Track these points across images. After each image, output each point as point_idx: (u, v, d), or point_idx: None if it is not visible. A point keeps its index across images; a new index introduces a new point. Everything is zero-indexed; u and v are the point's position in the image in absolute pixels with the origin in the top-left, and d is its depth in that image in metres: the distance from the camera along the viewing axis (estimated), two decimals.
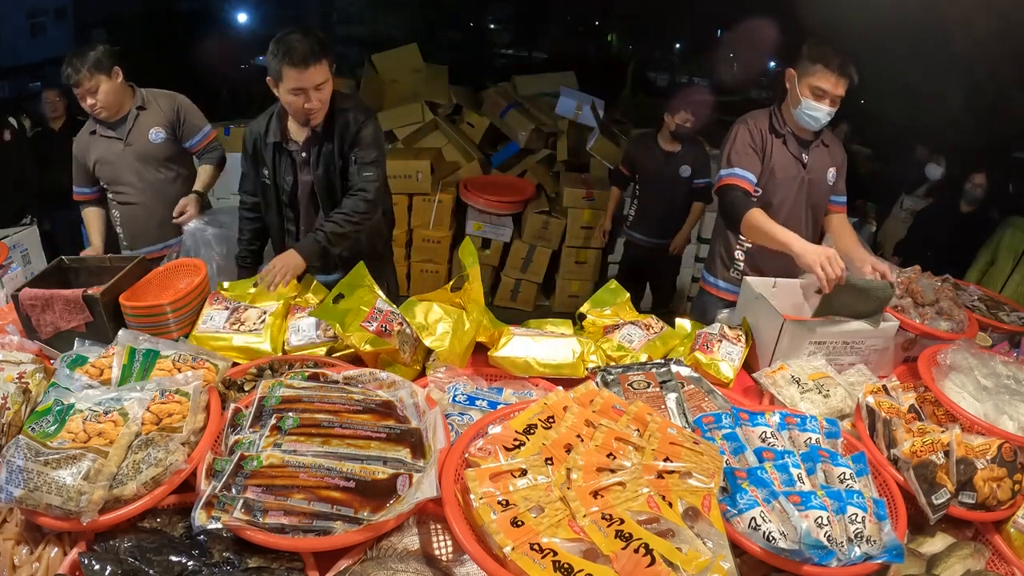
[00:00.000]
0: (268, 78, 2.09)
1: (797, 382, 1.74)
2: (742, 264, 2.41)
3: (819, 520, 1.19)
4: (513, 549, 1.03)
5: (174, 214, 2.46)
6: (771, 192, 2.28)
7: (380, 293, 1.80)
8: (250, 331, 1.81)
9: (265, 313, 1.86)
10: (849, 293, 1.83)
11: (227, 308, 1.88)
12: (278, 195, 2.29)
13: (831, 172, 2.33)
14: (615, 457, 1.23)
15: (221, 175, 2.73)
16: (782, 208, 2.28)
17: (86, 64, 2.37)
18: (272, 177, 2.26)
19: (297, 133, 2.22)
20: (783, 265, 2.13)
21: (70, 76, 2.37)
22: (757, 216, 2.09)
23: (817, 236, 2.42)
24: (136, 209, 2.62)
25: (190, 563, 1.12)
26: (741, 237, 2.37)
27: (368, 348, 1.65)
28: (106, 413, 1.26)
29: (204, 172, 2.63)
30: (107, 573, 1.08)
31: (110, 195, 2.65)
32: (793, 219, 2.29)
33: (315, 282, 2.10)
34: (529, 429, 1.29)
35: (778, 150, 2.26)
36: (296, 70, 1.99)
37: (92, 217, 2.67)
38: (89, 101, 2.43)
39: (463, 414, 1.49)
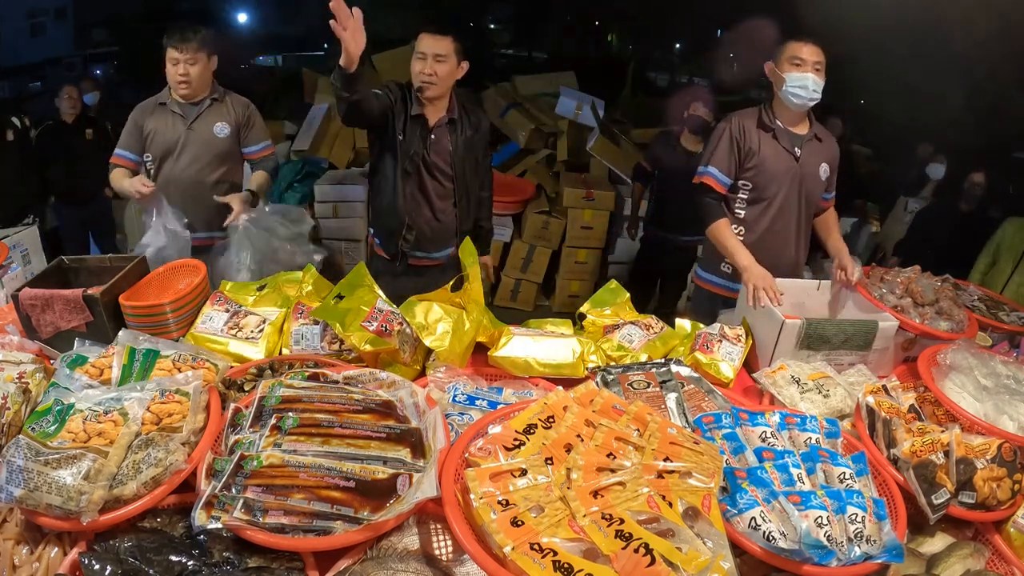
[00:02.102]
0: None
1: (797, 382, 1.75)
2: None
3: (819, 520, 1.19)
4: (513, 549, 1.03)
5: (220, 201, 2.42)
6: (764, 186, 2.30)
7: (380, 293, 1.80)
8: (247, 339, 1.79)
9: (264, 322, 1.85)
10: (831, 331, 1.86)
11: (227, 311, 1.87)
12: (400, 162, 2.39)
13: (824, 167, 2.35)
14: (615, 457, 1.23)
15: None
16: (775, 201, 2.31)
17: (198, 36, 2.45)
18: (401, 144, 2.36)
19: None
20: (771, 262, 2.17)
21: (182, 38, 2.41)
22: (721, 228, 2.27)
23: (809, 230, 2.44)
24: (176, 189, 2.54)
25: (190, 563, 1.12)
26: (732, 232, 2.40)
27: (368, 348, 1.65)
28: (106, 413, 1.26)
29: (259, 175, 2.64)
30: (107, 573, 1.08)
31: (152, 170, 2.60)
32: (787, 212, 2.32)
33: (316, 274, 2.04)
34: (529, 429, 1.29)
35: (768, 144, 2.28)
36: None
37: (117, 174, 2.54)
38: (182, 69, 2.45)
39: (463, 414, 1.49)
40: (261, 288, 1.99)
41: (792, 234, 2.37)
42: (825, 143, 2.37)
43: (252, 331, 1.82)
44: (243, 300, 1.94)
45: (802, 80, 2.17)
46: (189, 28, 2.45)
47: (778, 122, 2.29)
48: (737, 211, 2.36)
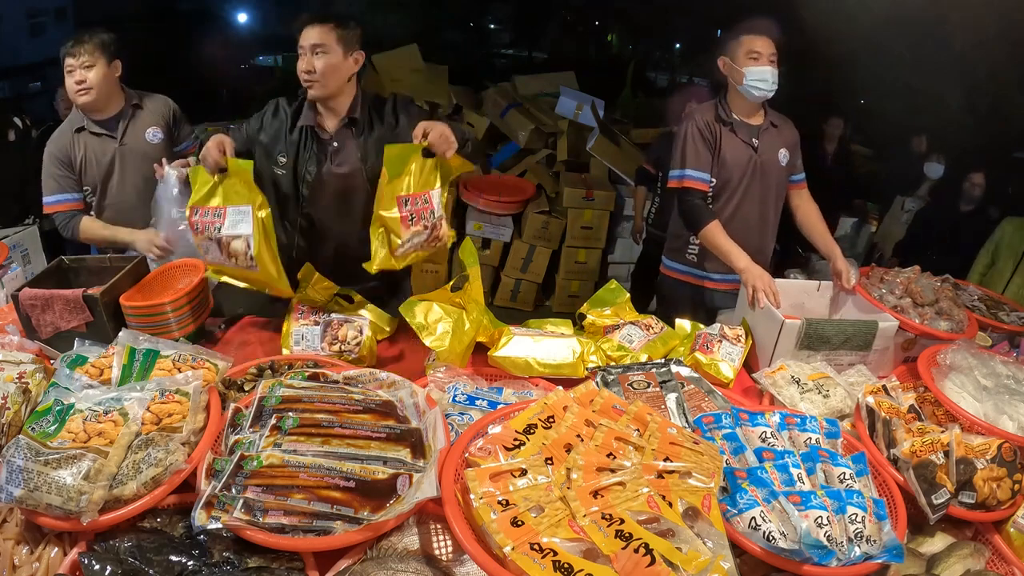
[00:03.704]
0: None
1: (797, 382, 1.75)
2: (697, 247, 2.45)
3: (819, 520, 1.19)
4: (513, 549, 1.03)
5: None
6: (725, 179, 2.32)
7: (440, 188, 1.80)
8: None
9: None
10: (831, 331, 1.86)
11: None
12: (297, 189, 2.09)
13: (782, 152, 2.35)
14: (615, 457, 1.23)
15: None
16: (736, 193, 2.33)
17: (92, 39, 2.24)
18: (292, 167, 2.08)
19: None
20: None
21: (70, 46, 2.22)
22: (714, 230, 2.23)
23: (778, 216, 2.45)
24: (124, 215, 2.35)
25: (190, 563, 1.12)
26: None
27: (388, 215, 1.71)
28: (106, 413, 1.26)
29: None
30: (107, 573, 1.08)
31: (93, 201, 2.37)
32: (748, 202, 2.34)
33: (316, 274, 2.00)
34: (529, 429, 1.29)
35: (727, 139, 2.30)
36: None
37: (91, 223, 2.31)
38: (77, 77, 2.22)
39: (463, 414, 1.49)
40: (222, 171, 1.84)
41: (756, 223, 2.37)
42: (782, 129, 2.38)
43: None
44: (222, 198, 1.81)
45: (761, 73, 2.19)
46: (83, 33, 2.25)
47: (735, 115, 2.31)
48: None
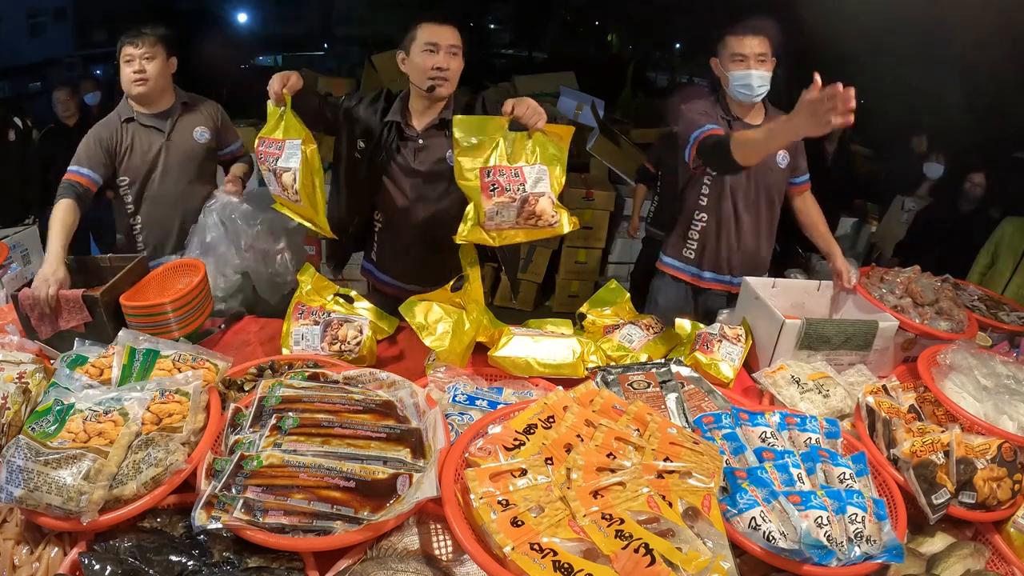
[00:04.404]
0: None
1: (797, 382, 1.75)
2: (696, 243, 2.40)
3: (819, 520, 1.19)
4: (513, 549, 1.03)
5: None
6: (721, 179, 2.26)
7: (540, 165, 1.75)
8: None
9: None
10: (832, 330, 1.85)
11: (316, 323, 1.86)
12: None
13: (781, 154, 2.29)
14: (615, 457, 1.23)
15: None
16: (735, 193, 2.28)
17: (155, 32, 2.30)
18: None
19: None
20: (732, 252, 2.23)
21: (132, 35, 2.26)
22: (741, 134, 1.99)
23: (776, 219, 2.40)
24: (161, 210, 2.38)
25: (190, 563, 1.12)
26: (696, 218, 2.36)
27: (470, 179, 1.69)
28: (106, 413, 1.26)
29: (242, 165, 2.51)
30: (107, 573, 1.08)
31: (129, 194, 2.37)
32: (744, 204, 2.30)
33: (316, 274, 2.01)
34: (529, 429, 1.29)
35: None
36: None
37: (69, 211, 2.10)
38: (136, 67, 2.25)
39: (463, 414, 1.49)
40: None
41: (751, 227, 2.33)
42: None
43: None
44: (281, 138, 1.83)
45: (745, 77, 2.12)
46: (147, 24, 2.31)
47: (733, 113, 2.25)
48: (701, 199, 2.34)
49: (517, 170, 1.73)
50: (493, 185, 1.70)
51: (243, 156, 2.59)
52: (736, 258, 2.37)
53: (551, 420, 1.32)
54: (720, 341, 1.91)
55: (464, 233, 1.74)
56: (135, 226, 2.41)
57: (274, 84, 1.82)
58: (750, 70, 2.12)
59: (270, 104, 1.86)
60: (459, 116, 1.74)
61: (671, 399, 1.58)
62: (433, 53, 1.95)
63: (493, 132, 1.73)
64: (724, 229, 2.32)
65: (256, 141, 1.88)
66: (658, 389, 1.61)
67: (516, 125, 1.76)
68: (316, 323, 1.86)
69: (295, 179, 1.81)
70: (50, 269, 1.85)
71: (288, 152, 1.82)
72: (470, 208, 1.74)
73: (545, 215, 1.74)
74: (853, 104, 1.62)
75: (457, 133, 1.71)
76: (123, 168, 2.33)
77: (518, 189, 1.72)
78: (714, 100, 2.30)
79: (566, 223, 1.76)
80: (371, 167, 2.08)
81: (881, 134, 6.04)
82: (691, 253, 2.43)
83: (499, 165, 1.72)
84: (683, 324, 2.10)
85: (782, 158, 2.31)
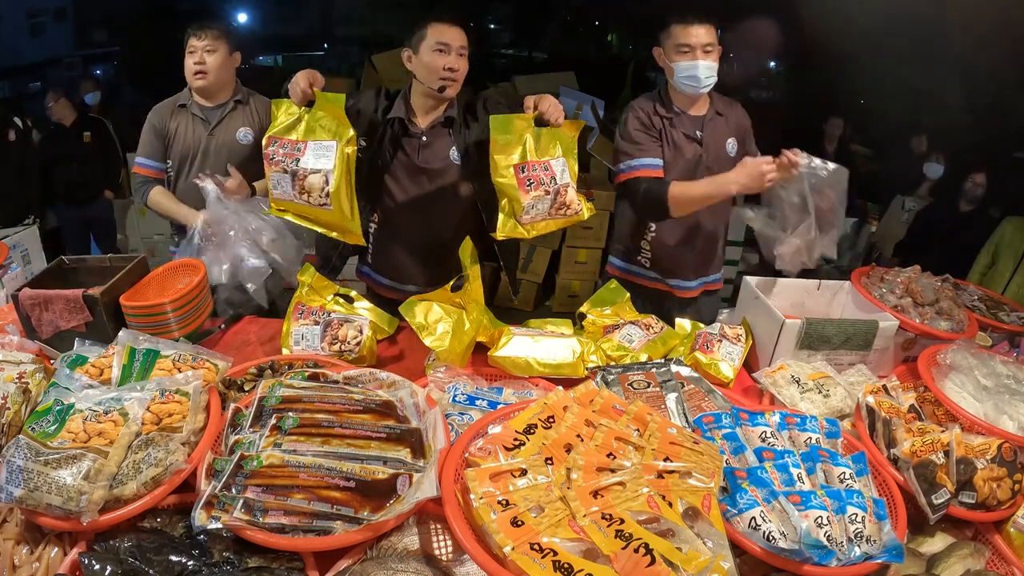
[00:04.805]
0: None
1: (797, 382, 1.75)
2: (649, 252, 2.35)
3: (819, 520, 1.19)
4: (513, 549, 1.03)
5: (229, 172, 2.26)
6: (671, 175, 2.19)
7: (563, 158, 1.80)
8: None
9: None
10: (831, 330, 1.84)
11: (316, 323, 1.83)
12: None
13: (730, 143, 2.22)
14: (615, 457, 1.23)
15: None
16: None
17: (219, 26, 2.33)
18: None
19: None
20: (686, 248, 2.19)
21: (201, 26, 2.30)
22: (679, 188, 2.05)
23: (728, 211, 2.35)
24: (192, 201, 2.33)
25: (190, 563, 1.12)
26: (650, 227, 2.30)
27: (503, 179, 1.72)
28: (106, 413, 1.26)
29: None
30: (107, 573, 1.08)
31: (171, 179, 2.44)
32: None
33: (316, 274, 2.00)
34: (529, 429, 1.29)
35: (671, 134, 2.18)
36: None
37: (161, 196, 2.36)
38: (197, 59, 2.30)
39: (463, 414, 1.49)
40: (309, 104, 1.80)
41: (706, 224, 2.26)
42: (729, 116, 2.22)
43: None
44: (296, 133, 1.78)
45: (691, 69, 2.05)
46: (211, 18, 2.37)
47: (676, 107, 2.19)
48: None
49: (547, 164, 1.78)
50: (529, 180, 1.75)
51: None
52: (693, 256, 2.29)
53: (551, 420, 1.32)
54: (720, 341, 1.91)
55: (504, 230, 1.77)
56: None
57: (300, 82, 1.76)
58: (696, 61, 2.04)
59: (284, 102, 1.81)
60: (493, 115, 1.77)
61: (671, 399, 1.58)
62: (444, 53, 1.95)
63: (522, 129, 1.77)
64: (678, 227, 2.22)
65: (264, 140, 1.82)
66: (658, 389, 1.61)
67: (539, 121, 1.80)
68: (316, 323, 1.86)
69: (327, 181, 1.73)
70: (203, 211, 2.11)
71: (315, 153, 1.74)
72: (505, 204, 1.77)
73: (572, 204, 1.81)
74: (799, 160, 1.81)
75: (493, 132, 1.74)
76: (170, 152, 2.41)
77: (551, 182, 1.76)
78: (655, 94, 2.23)
79: (586, 210, 1.82)
80: (372, 166, 2.08)
81: (881, 134, 6.04)
82: (646, 260, 2.35)
83: (532, 160, 1.76)
84: (683, 324, 2.10)
85: (731, 146, 2.23)
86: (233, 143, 2.41)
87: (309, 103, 1.79)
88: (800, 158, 1.86)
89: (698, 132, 2.19)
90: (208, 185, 2.15)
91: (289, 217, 1.87)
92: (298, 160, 1.75)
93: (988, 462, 1.44)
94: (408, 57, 2.02)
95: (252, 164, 2.41)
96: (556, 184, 1.77)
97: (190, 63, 2.33)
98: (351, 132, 1.76)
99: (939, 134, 5.12)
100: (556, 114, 1.78)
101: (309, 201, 1.78)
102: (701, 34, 2.04)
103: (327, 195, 1.74)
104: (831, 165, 1.88)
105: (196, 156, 2.40)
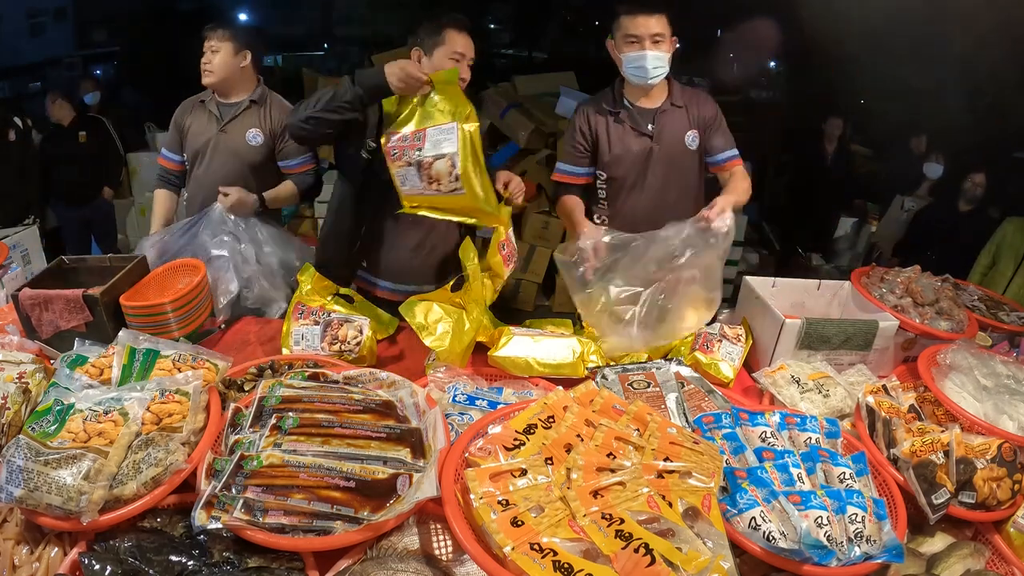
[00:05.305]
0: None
1: (797, 382, 1.75)
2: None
3: (819, 520, 1.19)
4: (513, 549, 1.03)
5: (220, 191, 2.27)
6: (619, 172, 2.19)
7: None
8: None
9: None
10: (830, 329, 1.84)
11: (316, 323, 1.81)
12: None
13: (689, 135, 2.17)
14: (615, 457, 1.23)
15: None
16: (636, 186, 2.20)
17: (225, 26, 2.39)
18: None
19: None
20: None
21: (210, 27, 2.38)
22: (561, 204, 2.25)
23: (701, 201, 2.22)
24: (200, 197, 2.40)
25: (190, 563, 1.12)
26: (595, 220, 2.30)
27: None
28: (106, 413, 1.26)
29: (284, 187, 2.42)
30: (107, 573, 1.08)
31: (186, 170, 2.51)
32: (647, 195, 2.20)
33: (316, 274, 1.99)
34: (529, 429, 1.29)
35: (615, 130, 2.16)
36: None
37: (162, 200, 2.50)
38: (205, 57, 2.36)
39: (463, 414, 1.49)
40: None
41: (660, 219, 2.11)
42: (689, 107, 2.17)
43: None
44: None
45: (639, 59, 2.02)
46: (220, 20, 2.43)
47: (626, 101, 2.16)
48: (600, 200, 2.28)
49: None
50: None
51: (301, 175, 2.46)
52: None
53: (551, 420, 1.32)
54: (720, 341, 1.91)
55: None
56: (182, 202, 2.58)
57: (410, 69, 1.75)
58: (644, 51, 2.01)
59: (388, 100, 1.79)
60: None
61: (671, 399, 1.58)
62: (459, 63, 1.95)
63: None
64: (633, 225, 2.12)
65: (383, 139, 1.80)
66: (658, 389, 1.61)
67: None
68: (316, 323, 1.86)
69: (454, 165, 1.69)
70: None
71: (435, 139, 1.71)
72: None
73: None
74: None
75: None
76: (184, 146, 2.48)
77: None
78: (609, 90, 2.22)
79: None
80: (380, 166, 2.07)
81: (881, 134, 6.04)
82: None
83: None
84: None
85: (691, 138, 2.17)
86: (241, 143, 2.39)
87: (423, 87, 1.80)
88: (719, 222, 1.83)
89: (649, 125, 2.15)
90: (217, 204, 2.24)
91: (424, 212, 1.82)
92: (420, 150, 1.71)
93: (988, 462, 1.44)
94: (418, 57, 2.01)
95: (260, 168, 2.42)
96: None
97: (201, 61, 2.39)
98: (469, 108, 1.73)
99: (939, 134, 5.11)
100: (519, 196, 1.91)
101: (440, 189, 1.74)
102: (650, 24, 2.01)
103: (456, 178, 1.70)
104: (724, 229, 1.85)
105: (206, 152, 2.42)
